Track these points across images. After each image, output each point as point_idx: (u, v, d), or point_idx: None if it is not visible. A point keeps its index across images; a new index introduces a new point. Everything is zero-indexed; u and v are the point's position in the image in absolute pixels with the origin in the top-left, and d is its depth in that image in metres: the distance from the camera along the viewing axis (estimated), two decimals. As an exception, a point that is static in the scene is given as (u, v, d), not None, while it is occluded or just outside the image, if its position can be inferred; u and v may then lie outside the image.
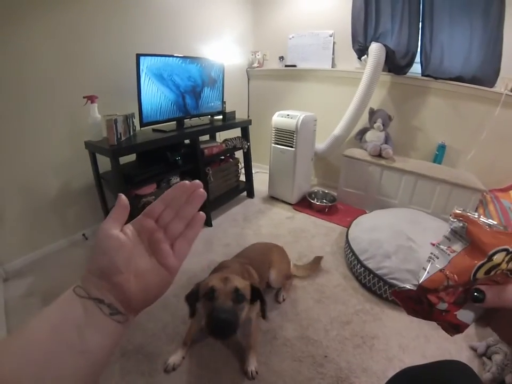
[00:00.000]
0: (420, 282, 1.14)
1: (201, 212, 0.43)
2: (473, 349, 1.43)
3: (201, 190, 0.42)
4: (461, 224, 1.04)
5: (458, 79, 2.43)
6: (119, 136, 1.84)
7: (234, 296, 1.08)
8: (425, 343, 1.48)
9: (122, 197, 0.40)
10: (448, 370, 0.68)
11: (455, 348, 1.45)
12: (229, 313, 1.02)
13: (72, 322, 0.32)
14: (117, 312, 0.34)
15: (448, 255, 1.15)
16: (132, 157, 2.25)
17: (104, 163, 2.03)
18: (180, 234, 0.42)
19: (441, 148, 2.61)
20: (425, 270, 1.11)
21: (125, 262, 0.36)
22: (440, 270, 1.10)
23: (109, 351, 0.34)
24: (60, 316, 0.32)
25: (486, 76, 2.34)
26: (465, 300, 0.65)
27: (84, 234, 2.33)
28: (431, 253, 1.21)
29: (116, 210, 0.39)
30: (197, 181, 0.42)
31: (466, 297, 0.64)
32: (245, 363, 1.33)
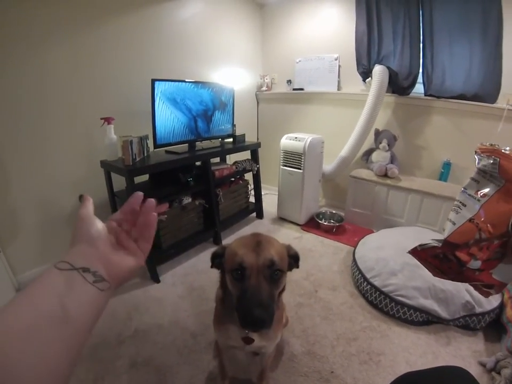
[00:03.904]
0: (446, 236, 0.88)
1: (151, 202, 0.50)
2: (482, 365, 1.42)
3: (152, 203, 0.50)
4: (492, 161, 0.75)
5: (460, 97, 2.48)
6: (134, 156, 1.93)
7: (270, 273, 0.84)
8: (433, 359, 1.48)
9: (88, 196, 0.46)
10: (448, 376, 0.69)
11: (464, 365, 1.43)
12: (265, 308, 0.77)
13: (53, 293, 0.32)
14: (101, 279, 0.37)
15: (478, 200, 0.89)
16: (145, 177, 2.34)
17: (118, 182, 2.13)
18: (139, 236, 0.48)
19: (447, 165, 2.63)
20: (451, 221, 0.83)
21: (109, 237, 0.43)
22: (470, 220, 0.86)
23: (92, 320, 0.35)
24: (40, 289, 0.33)
25: (487, 92, 2.38)
26: (503, 255, 0.54)
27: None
28: (457, 200, 0.90)
29: (90, 204, 0.45)
30: (152, 200, 0.50)
31: (505, 251, 0.53)
32: None
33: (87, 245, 0.39)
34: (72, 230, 0.41)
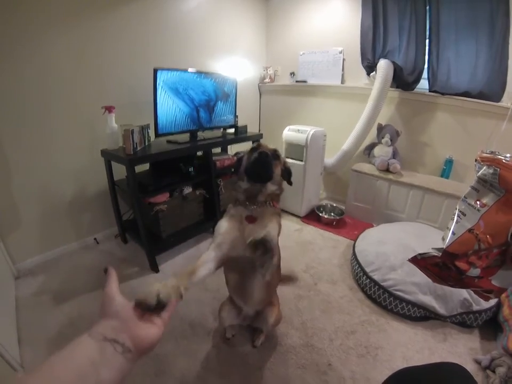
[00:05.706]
0: (445, 246, 0.86)
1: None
2: (478, 362, 1.43)
3: None
4: (492, 170, 0.74)
5: (465, 94, 2.46)
6: (135, 146, 1.92)
7: (273, 153, 1.24)
8: (430, 355, 1.49)
9: (113, 270, 0.53)
10: (445, 372, 0.69)
11: (460, 361, 1.41)
12: (269, 156, 1.18)
13: (90, 361, 0.38)
14: (128, 350, 0.43)
15: (478, 210, 0.88)
16: (145, 166, 2.33)
17: (118, 171, 2.12)
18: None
19: (449, 162, 2.62)
20: (450, 230, 0.82)
21: (133, 313, 0.49)
22: (469, 231, 0.84)
23: (118, 383, 0.41)
24: (79, 356, 0.39)
25: (492, 90, 2.36)
26: (503, 262, 0.53)
27: (95, 239, 2.41)
28: (456, 209, 0.89)
29: (114, 281, 0.52)
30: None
31: (505, 258, 0.52)
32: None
33: (117, 321, 0.46)
34: (101, 303, 0.48)
